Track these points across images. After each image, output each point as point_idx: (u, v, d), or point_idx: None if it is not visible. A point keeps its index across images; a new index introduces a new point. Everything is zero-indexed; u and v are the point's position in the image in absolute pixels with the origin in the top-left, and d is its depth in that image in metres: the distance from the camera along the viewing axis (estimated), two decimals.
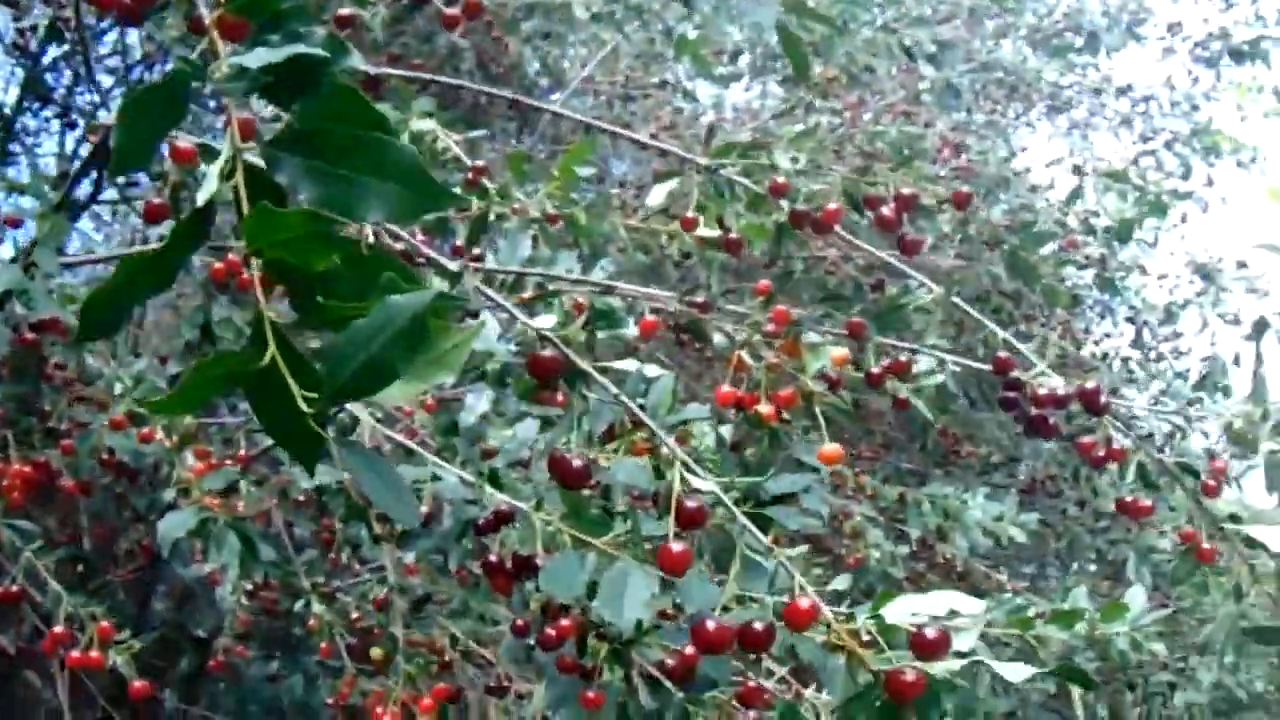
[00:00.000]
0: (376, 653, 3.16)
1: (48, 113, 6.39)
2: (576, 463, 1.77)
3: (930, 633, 1.45)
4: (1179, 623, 6.29)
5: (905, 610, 1.49)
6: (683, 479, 1.56)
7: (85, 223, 5.50)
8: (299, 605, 3.70)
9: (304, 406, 1.31)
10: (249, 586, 3.93)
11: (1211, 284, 5.65)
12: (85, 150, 5.29)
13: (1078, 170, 5.50)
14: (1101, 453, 2.45)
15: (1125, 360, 5.67)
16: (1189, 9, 7.05)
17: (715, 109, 6.79)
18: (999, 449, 6.19)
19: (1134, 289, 5.92)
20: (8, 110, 5.77)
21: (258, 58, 1.44)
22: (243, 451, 3.62)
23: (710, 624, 1.49)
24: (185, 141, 1.55)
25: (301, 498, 3.96)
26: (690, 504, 1.57)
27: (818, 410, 2.21)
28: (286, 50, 1.43)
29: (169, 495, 3.18)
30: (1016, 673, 1.48)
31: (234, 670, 5.45)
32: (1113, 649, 4.04)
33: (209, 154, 2.21)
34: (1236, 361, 5.86)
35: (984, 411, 6.11)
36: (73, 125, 6.14)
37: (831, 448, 2.19)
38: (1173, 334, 5.81)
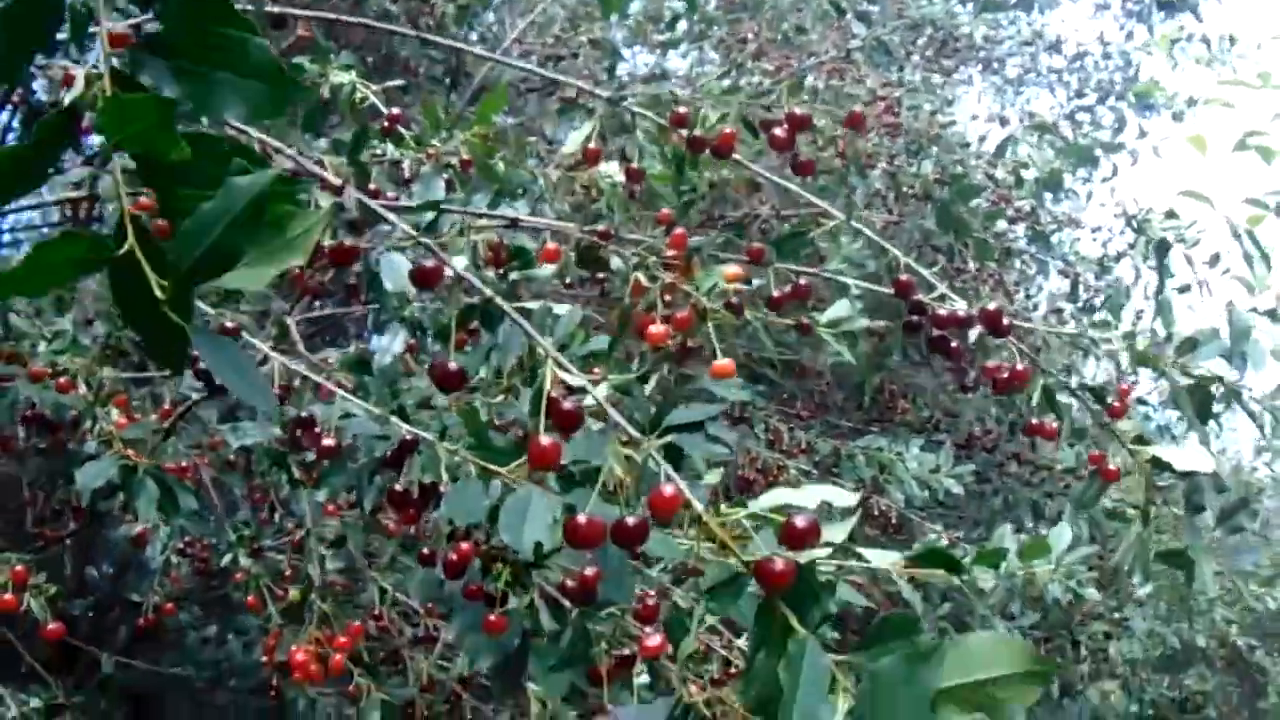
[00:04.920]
0: (294, 593, 3.15)
1: None
2: (451, 366, 1.77)
3: (800, 522, 1.45)
4: (1118, 578, 6.36)
5: (776, 502, 1.50)
6: (554, 377, 1.56)
7: None
8: (226, 559, 3.70)
9: (159, 294, 1.31)
10: (180, 545, 3.91)
11: (1142, 235, 5.67)
12: None
13: (1004, 122, 5.52)
14: (1005, 375, 2.46)
15: (1058, 312, 5.70)
16: None
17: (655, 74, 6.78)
18: (937, 406, 6.22)
19: (1067, 242, 5.95)
20: None
21: None
22: (166, 406, 3.62)
23: (581, 519, 1.48)
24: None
25: (232, 458, 3.94)
26: (566, 405, 1.57)
27: (711, 329, 2.20)
28: None
29: (91, 448, 3.17)
30: (883, 558, 1.50)
31: (173, 634, 5.45)
32: (1046, 595, 4.08)
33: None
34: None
35: (922, 369, 6.15)
36: None
37: (724, 362, 2.19)
38: (1106, 286, 5.82)
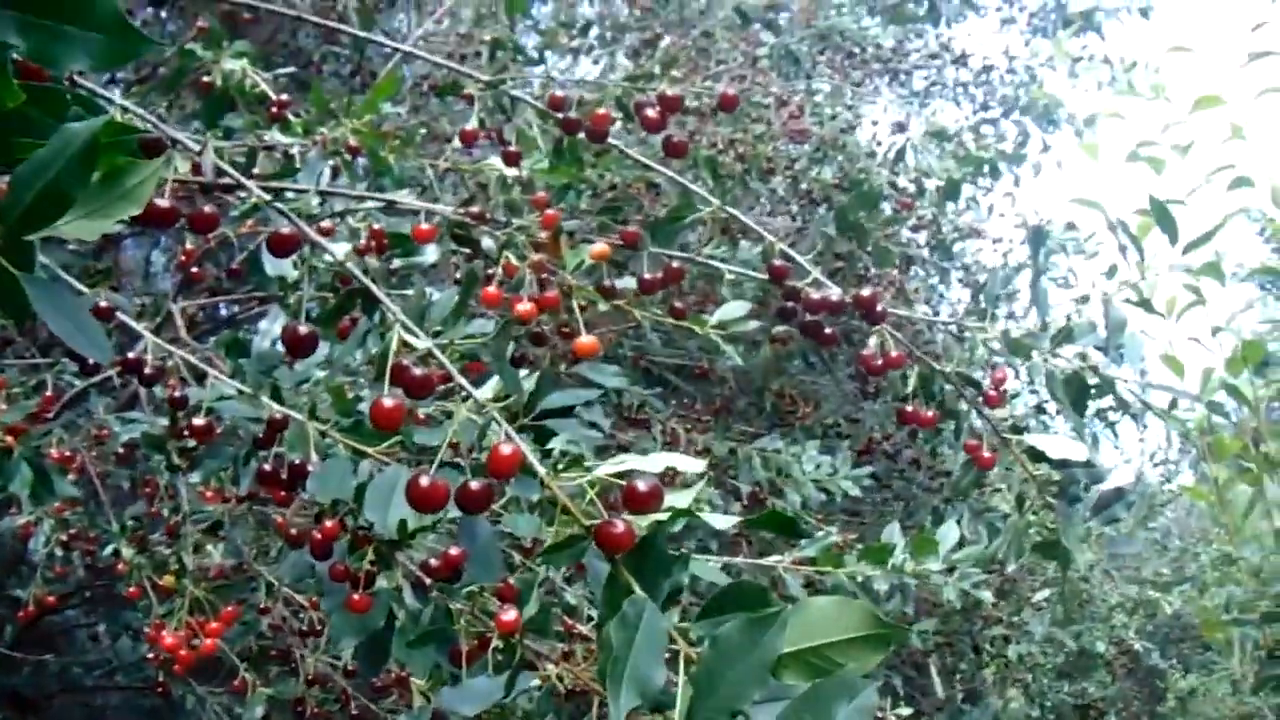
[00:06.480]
0: (168, 580, 3.12)
1: None
2: (302, 330, 1.75)
3: (642, 485, 1.45)
4: (1017, 584, 6.42)
5: (621, 467, 1.49)
6: (400, 340, 1.54)
7: None
8: (108, 550, 3.65)
9: None
10: (63, 538, 3.86)
11: (1042, 246, 5.73)
12: None
13: (901, 128, 5.56)
14: (879, 362, 2.47)
15: (957, 318, 5.74)
16: None
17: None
18: (839, 412, 6.25)
19: (969, 253, 6.00)
20: None
21: None
22: (49, 393, 3.57)
23: (424, 481, 1.47)
24: None
25: (120, 451, 3.90)
26: (416, 370, 1.56)
27: (576, 306, 2.21)
28: None
29: None
30: (722, 521, 1.50)
31: (61, 633, 5.38)
32: (942, 597, 4.09)
33: None
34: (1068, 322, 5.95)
35: (822, 375, 6.18)
36: None
37: (588, 340, 2.19)
38: (1006, 295, 5.88)
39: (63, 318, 1.36)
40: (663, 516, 1.45)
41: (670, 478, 1.55)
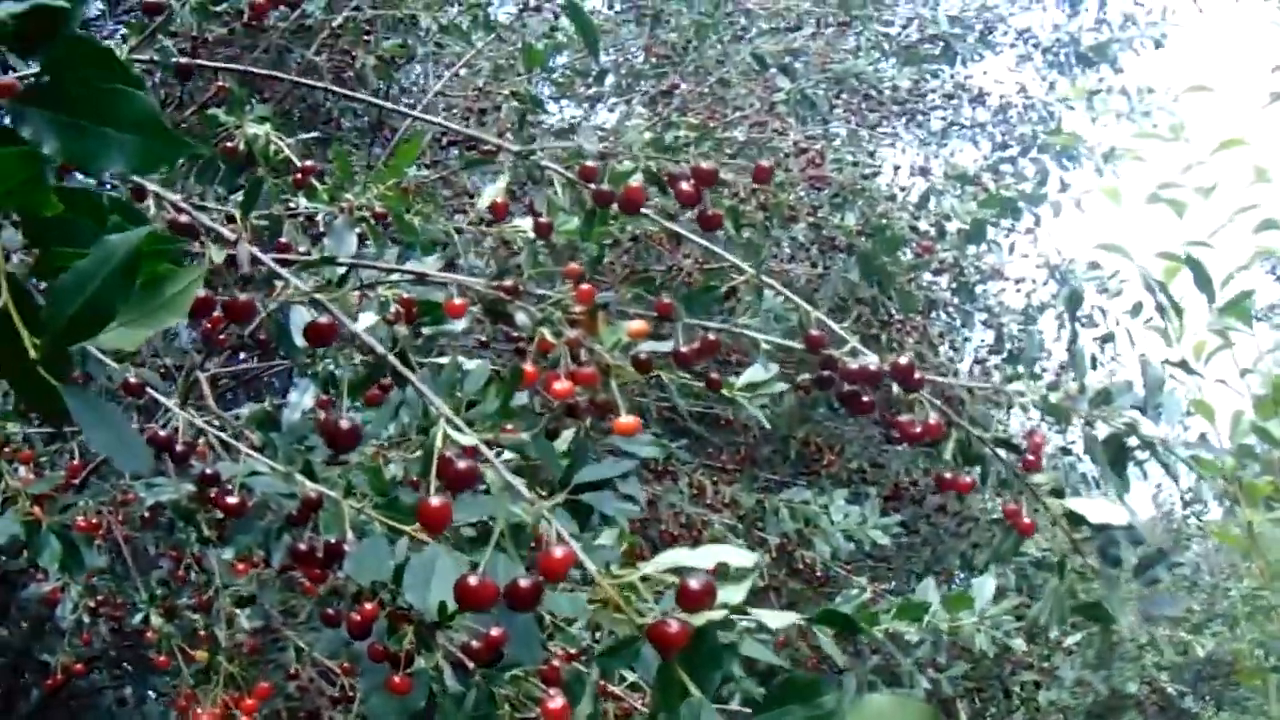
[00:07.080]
0: (201, 655, 3.10)
1: None
2: (343, 424, 1.73)
3: (694, 584, 1.42)
4: (1046, 627, 6.36)
5: (671, 563, 1.47)
6: (445, 435, 1.52)
7: None
8: (138, 619, 3.63)
9: (33, 353, 1.28)
10: (91, 604, 3.84)
11: (1065, 286, 5.71)
12: None
13: (924, 173, 5.55)
14: (918, 429, 2.44)
15: (982, 363, 5.72)
16: (1039, 16, 7.13)
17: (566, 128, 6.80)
18: (863, 458, 6.23)
19: (992, 294, 5.97)
20: None
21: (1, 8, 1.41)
22: (76, 462, 3.55)
23: (472, 580, 1.45)
24: None
25: (146, 515, 3.88)
26: (460, 464, 1.53)
27: (614, 385, 2.18)
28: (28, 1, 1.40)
29: None
30: (778, 619, 1.47)
31: (89, 696, 5.35)
32: (975, 646, 4.04)
33: None
34: (1094, 364, 5.91)
35: (847, 421, 6.15)
36: None
37: (628, 420, 2.17)
38: (1022, 334, 5.85)
39: (103, 430, 1.34)
40: (716, 615, 1.43)
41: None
